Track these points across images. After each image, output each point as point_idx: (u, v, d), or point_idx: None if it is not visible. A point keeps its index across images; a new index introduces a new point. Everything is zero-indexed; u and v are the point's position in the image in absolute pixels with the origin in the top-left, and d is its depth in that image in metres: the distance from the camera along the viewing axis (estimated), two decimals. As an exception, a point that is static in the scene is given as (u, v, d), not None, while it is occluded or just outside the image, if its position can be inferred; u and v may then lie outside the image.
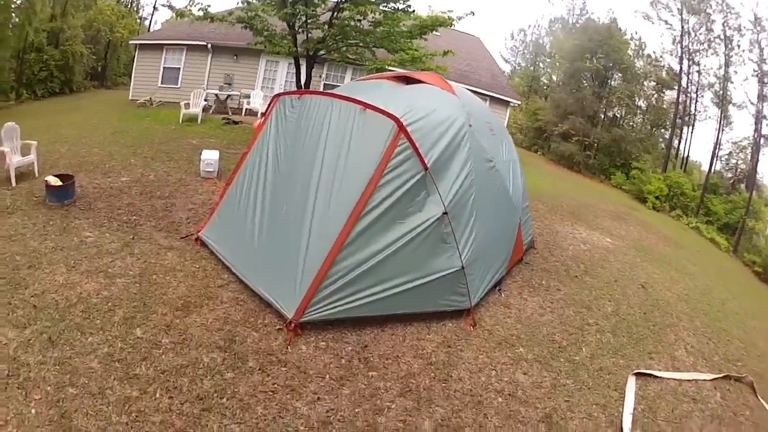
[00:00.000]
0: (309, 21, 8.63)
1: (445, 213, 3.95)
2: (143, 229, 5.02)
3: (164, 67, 14.90)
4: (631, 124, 21.11)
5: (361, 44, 9.10)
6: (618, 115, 21.18)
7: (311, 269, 3.58)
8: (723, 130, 18.38)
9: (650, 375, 4.05)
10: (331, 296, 3.56)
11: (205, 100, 11.59)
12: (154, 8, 32.94)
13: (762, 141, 17.37)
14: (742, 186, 17.87)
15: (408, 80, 5.59)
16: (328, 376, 3.17)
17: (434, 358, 3.57)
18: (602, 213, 11.03)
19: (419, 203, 3.92)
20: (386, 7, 8.44)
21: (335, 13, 8.82)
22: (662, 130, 20.67)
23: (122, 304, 3.60)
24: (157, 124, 10.48)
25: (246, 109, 13.22)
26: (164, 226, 5.20)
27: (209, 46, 14.16)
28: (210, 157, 7.00)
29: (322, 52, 9.19)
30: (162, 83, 14.90)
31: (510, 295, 4.96)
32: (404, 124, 3.87)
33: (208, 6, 8.57)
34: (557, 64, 26.58)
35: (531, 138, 22.80)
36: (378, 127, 3.92)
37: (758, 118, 17.48)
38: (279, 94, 5.01)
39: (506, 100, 16.33)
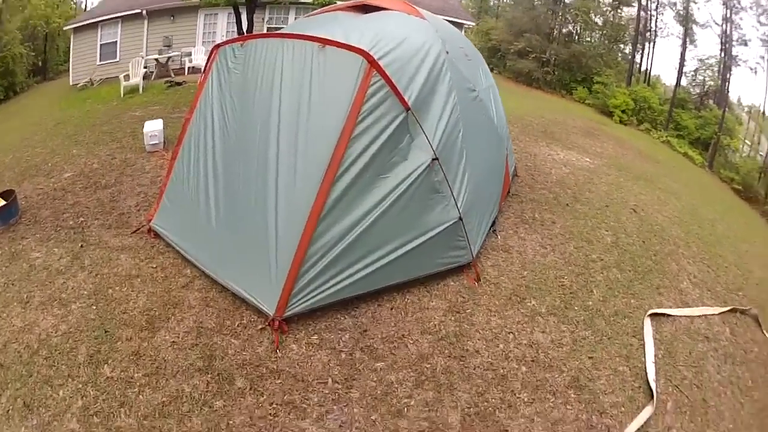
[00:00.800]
0: None
1: (435, 158, 3.34)
2: (91, 232, 4.43)
3: (101, 44, 14.14)
4: (588, 39, 20.81)
5: None
6: (575, 32, 20.77)
7: (286, 253, 2.98)
8: (687, 47, 18.42)
9: (665, 315, 3.88)
10: (315, 280, 2.99)
11: (145, 67, 11.06)
12: None
13: (730, 61, 17.60)
14: (711, 102, 18.11)
15: (366, 8, 4.70)
16: (330, 379, 2.70)
17: (443, 330, 3.16)
18: (573, 130, 10.80)
19: (403, 151, 3.29)
20: None
21: None
22: (621, 46, 20.50)
23: (83, 338, 3.09)
24: (98, 104, 9.82)
25: (189, 67, 12.78)
26: (112, 221, 4.59)
27: (144, 12, 13.52)
28: (153, 128, 6.37)
29: None
30: (100, 60, 14.14)
31: (507, 235, 4.58)
32: (375, 58, 3.12)
33: None
34: None
35: (486, 58, 22.02)
36: (343, 66, 3.21)
37: (723, 39, 17.72)
38: (218, 45, 4.15)
39: (459, 23, 15.50)
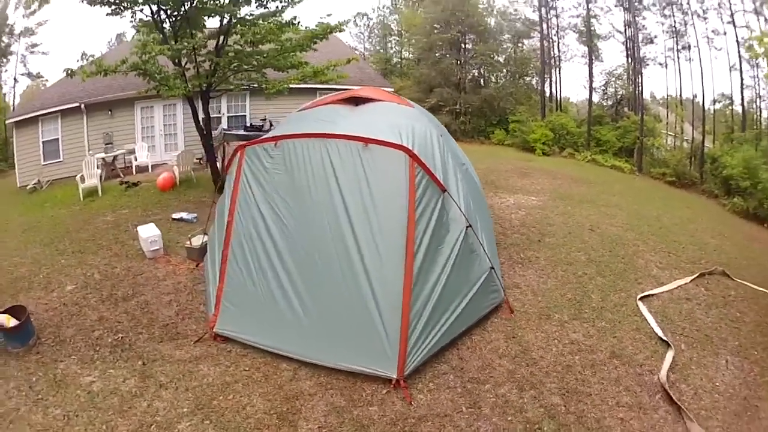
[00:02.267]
0: (197, 53, 8.84)
1: (469, 225, 4.93)
2: (143, 348, 4.88)
3: (43, 142, 14.71)
4: (497, 81, 24.64)
5: (253, 68, 9.58)
6: (483, 75, 24.55)
7: (392, 323, 4.14)
8: (594, 63, 22.04)
9: (650, 295, 5.79)
10: (419, 340, 4.23)
11: (97, 167, 11.54)
12: (15, 80, 29.40)
13: (639, 65, 20.80)
14: (626, 110, 21.36)
15: (357, 100, 6.19)
16: (463, 407, 3.93)
17: (511, 351, 4.66)
18: (507, 174, 13.53)
19: (446, 224, 4.80)
20: (272, 22, 8.96)
21: (221, 40, 9.13)
22: (527, 79, 24.53)
23: None
24: (59, 208, 10.30)
25: (135, 165, 13.48)
26: (161, 334, 5.13)
27: (82, 106, 14.15)
28: (151, 233, 7.02)
29: (213, 85, 9.51)
30: (45, 160, 14.70)
31: (510, 275, 6.29)
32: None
33: (100, 57, 8.17)
34: (412, 41, 29.28)
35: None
36: (390, 161, 4.59)
37: (628, 45, 21.12)
38: (242, 146, 5.24)
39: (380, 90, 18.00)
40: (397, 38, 34.18)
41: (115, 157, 13.02)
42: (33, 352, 4.81)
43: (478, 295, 4.95)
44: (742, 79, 17.77)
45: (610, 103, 22.18)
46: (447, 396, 4.07)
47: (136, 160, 13.36)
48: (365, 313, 4.29)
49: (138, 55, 8.07)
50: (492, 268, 5.19)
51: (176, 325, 5.28)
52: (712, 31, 18.42)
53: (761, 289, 6.06)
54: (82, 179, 10.93)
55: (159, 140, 14.92)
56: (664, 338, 4.87)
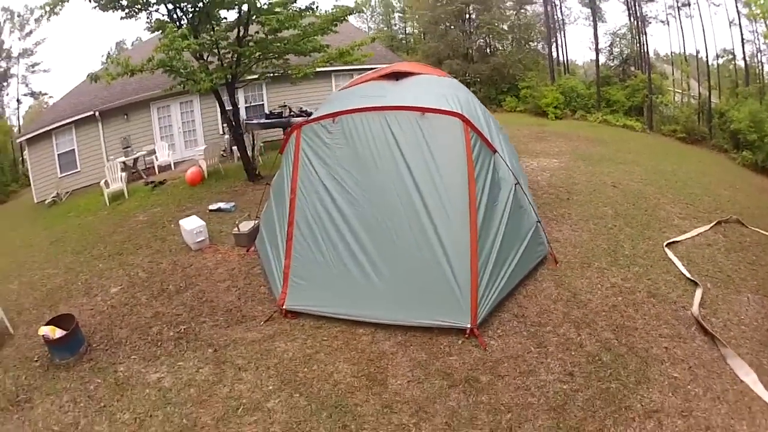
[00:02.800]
0: (219, 46, 8.97)
1: (517, 182, 5.41)
2: (209, 335, 4.92)
3: (58, 154, 14.92)
4: (504, 48, 24.78)
5: (276, 55, 9.78)
6: (490, 44, 24.62)
7: (462, 276, 4.57)
8: (598, 25, 22.19)
9: (675, 242, 6.38)
10: (486, 291, 4.71)
11: (122, 170, 11.77)
12: (18, 101, 30.26)
13: (642, 24, 21.05)
14: (633, 69, 21.62)
15: (397, 75, 6.44)
16: (531, 348, 4.44)
17: (563, 296, 5.20)
18: (525, 139, 13.99)
19: (498, 183, 5.26)
20: (291, 9, 9.11)
21: (241, 30, 9.28)
22: (533, 44, 24.64)
23: (323, 420, 3.74)
24: (86, 216, 10.35)
25: (157, 165, 13.67)
26: (226, 319, 5.19)
27: (97, 114, 14.28)
28: (195, 224, 7.11)
29: (238, 76, 9.71)
30: (62, 172, 14.93)
31: (549, 230, 6.76)
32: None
33: (127, 57, 8.20)
34: (416, 16, 29.08)
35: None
36: (446, 127, 4.98)
37: (629, 3, 21.16)
38: (297, 126, 5.51)
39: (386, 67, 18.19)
40: (401, 14, 33.91)
41: (135, 160, 13.22)
42: (85, 360, 4.64)
43: (528, 247, 5.43)
44: (742, 35, 18.04)
45: (616, 63, 22.33)
46: (515, 340, 4.60)
47: (157, 159, 13.54)
48: (438, 270, 4.69)
49: (165, 52, 8.12)
50: (539, 221, 5.72)
51: (240, 309, 5.35)
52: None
53: None
54: (107, 184, 11.01)
55: (178, 138, 15.19)
56: (692, 278, 5.47)
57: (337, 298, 4.93)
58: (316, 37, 9.65)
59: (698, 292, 5.20)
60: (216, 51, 9.18)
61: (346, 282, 4.96)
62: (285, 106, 14.26)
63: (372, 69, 8.08)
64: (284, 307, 5.05)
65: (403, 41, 33.70)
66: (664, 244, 6.34)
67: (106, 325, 5.30)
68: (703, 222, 7.14)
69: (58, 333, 4.66)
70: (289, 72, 10.17)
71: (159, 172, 13.21)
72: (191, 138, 15.36)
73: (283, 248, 5.41)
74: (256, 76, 10.61)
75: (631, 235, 6.69)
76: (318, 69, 10.24)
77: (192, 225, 7.09)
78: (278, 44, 9.40)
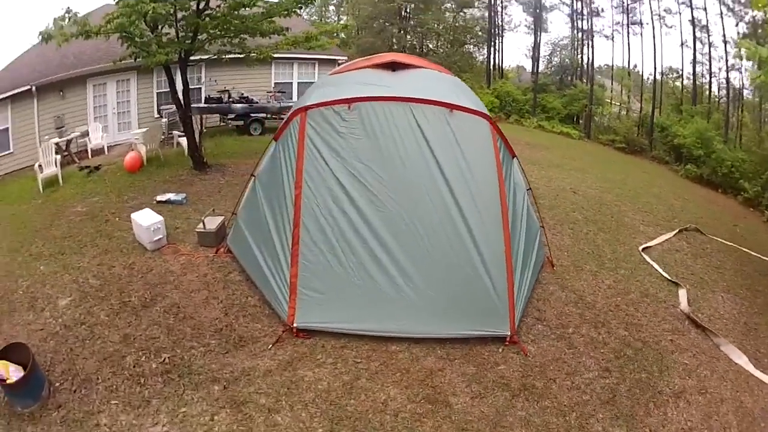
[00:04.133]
0: (178, 15, 8.20)
1: (529, 188, 5.56)
2: (207, 366, 4.09)
3: None
4: (437, 50, 25.51)
5: (235, 33, 9.07)
6: (423, 44, 25.16)
7: (500, 282, 4.47)
8: (540, 33, 23.47)
9: (648, 247, 7.14)
10: (519, 295, 4.71)
11: (56, 153, 10.36)
12: None
13: (587, 37, 22.01)
14: (570, 79, 22.65)
15: (392, 65, 5.90)
16: (565, 350, 4.60)
17: (570, 298, 5.50)
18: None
19: (515, 188, 5.28)
20: None
21: (201, 2, 8.47)
22: (468, 47, 25.53)
23: None
24: (19, 204, 8.92)
25: (90, 149, 12.33)
26: (219, 343, 4.37)
27: (33, 89, 12.54)
28: (152, 220, 6.08)
29: (193, 51, 8.95)
30: None
31: None
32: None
33: (86, 16, 7.00)
34: (357, 11, 28.78)
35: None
36: (475, 127, 4.82)
37: (574, 17, 22.37)
38: (301, 109, 4.85)
39: (333, 59, 17.45)
40: (334, 8, 33.54)
41: (68, 142, 11.90)
42: (51, 406, 3.60)
43: (539, 250, 5.64)
44: (695, 55, 19.27)
45: (554, 72, 23.68)
46: (548, 343, 4.70)
47: (90, 142, 12.26)
48: (475, 276, 4.48)
49: (127, 15, 7.23)
50: (542, 226, 5.98)
51: (233, 329, 4.57)
52: (665, 10, 19.97)
53: (731, 243, 7.82)
54: (41, 168, 9.60)
55: (112, 119, 13.65)
56: (674, 280, 6.14)
57: (363, 312, 4.39)
58: (276, 18, 9.10)
59: (682, 292, 5.85)
60: (173, 21, 8.43)
61: (371, 292, 4.41)
62: (225, 91, 13.56)
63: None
64: (295, 325, 4.34)
65: (336, 36, 33.39)
66: (640, 248, 7.04)
67: (65, 353, 4.18)
68: (665, 229, 8.06)
69: (12, 371, 3.56)
70: (251, 53, 9.50)
71: (92, 156, 12.02)
72: (125, 120, 13.97)
73: (285, 254, 4.67)
74: (211, 55, 9.72)
75: (607, 240, 7.30)
76: (278, 55, 9.82)
77: (148, 220, 6.06)
78: (238, 21, 8.70)
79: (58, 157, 10.21)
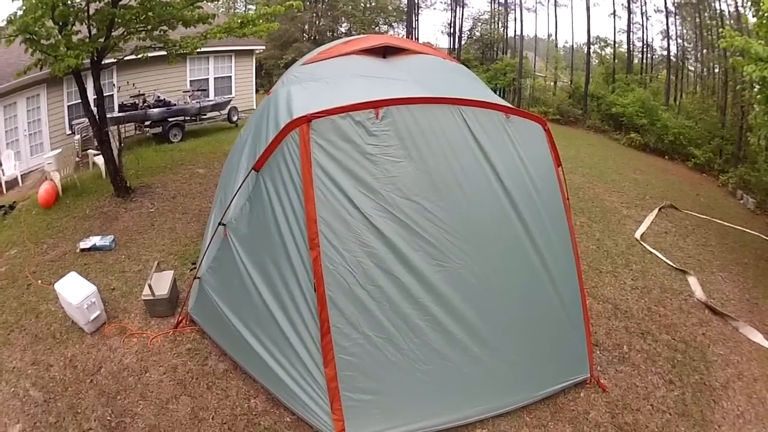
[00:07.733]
0: (91, 8, 7.20)
1: (567, 198, 4.68)
2: None
3: None
4: (356, 31, 24.51)
5: (155, 24, 7.93)
6: (333, 28, 24.49)
7: (577, 319, 4.09)
8: (462, 9, 23.28)
9: (643, 233, 7.77)
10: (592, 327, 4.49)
11: None
12: None
13: (506, 10, 21.95)
14: (494, 53, 22.51)
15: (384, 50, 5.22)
16: (631, 373, 4.69)
17: (607, 309, 5.64)
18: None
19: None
20: None
21: None
22: (380, 26, 25.29)
23: None
24: None
25: (5, 182, 10.51)
26: None
27: None
28: (82, 294, 4.64)
29: (107, 51, 7.87)
30: None
31: None
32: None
33: None
34: None
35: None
36: (531, 135, 3.98)
37: None
38: (301, 120, 3.40)
39: (250, 50, 16.60)
40: None
41: None
42: None
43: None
44: (629, 24, 19.60)
45: (476, 47, 23.72)
46: (614, 369, 4.72)
47: (3, 174, 10.35)
48: (557, 323, 4.01)
49: (32, 12, 6.22)
50: None
51: None
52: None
53: (704, 216, 8.72)
54: None
55: (24, 143, 11.19)
56: (680, 268, 6.68)
57: (435, 403, 3.56)
58: (200, 3, 8.10)
59: (693, 280, 6.37)
60: (85, 15, 7.29)
61: (442, 376, 3.56)
62: (141, 95, 11.96)
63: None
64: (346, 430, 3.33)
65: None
66: (637, 237, 7.53)
67: None
68: (643, 209, 8.72)
69: None
70: (176, 47, 8.27)
71: (6, 191, 10.09)
72: (37, 141, 12.05)
73: (304, 346, 3.51)
74: (127, 53, 8.30)
75: (601, 230, 7.69)
76: (209, 48, 8.76)
77: (77, 295, 4.62)
78: (159, 8, 7.62)
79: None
